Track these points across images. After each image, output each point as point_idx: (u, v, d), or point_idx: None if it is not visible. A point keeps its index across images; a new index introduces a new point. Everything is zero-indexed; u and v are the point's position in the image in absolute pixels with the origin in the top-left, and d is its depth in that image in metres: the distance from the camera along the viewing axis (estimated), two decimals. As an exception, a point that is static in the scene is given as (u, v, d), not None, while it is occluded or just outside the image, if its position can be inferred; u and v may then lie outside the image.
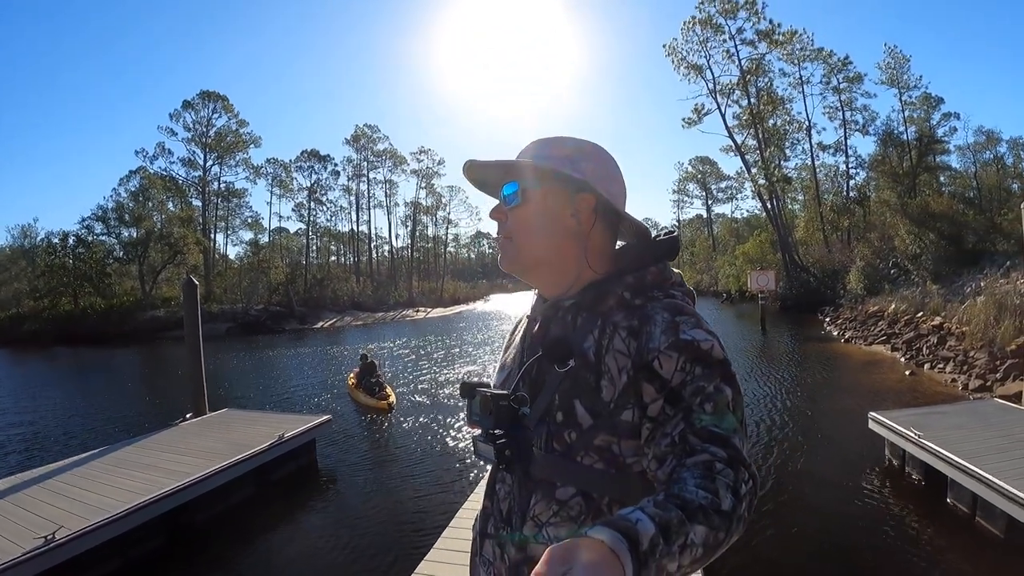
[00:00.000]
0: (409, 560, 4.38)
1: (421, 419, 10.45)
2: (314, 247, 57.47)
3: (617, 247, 1.15)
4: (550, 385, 1.03)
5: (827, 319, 21.64)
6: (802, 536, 5.20)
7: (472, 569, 1.17)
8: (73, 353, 25.73)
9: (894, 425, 6.33)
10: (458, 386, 1.10)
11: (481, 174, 1.13)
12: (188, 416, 8.82)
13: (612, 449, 0.97)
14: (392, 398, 11.37)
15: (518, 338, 1.21)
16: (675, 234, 1.11)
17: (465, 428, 8.89)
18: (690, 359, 0.91)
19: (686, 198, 69.33)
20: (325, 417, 8.41)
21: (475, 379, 1.08)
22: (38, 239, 42.43)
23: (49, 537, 4.69)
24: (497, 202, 1.14)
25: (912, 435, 5.95)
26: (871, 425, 6.77)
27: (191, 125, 45.26)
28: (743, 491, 0.80)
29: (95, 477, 6.31)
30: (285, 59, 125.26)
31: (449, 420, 10.21)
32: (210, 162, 46.28)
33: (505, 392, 1.00)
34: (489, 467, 1.15)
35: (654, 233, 1.13)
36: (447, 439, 9.08)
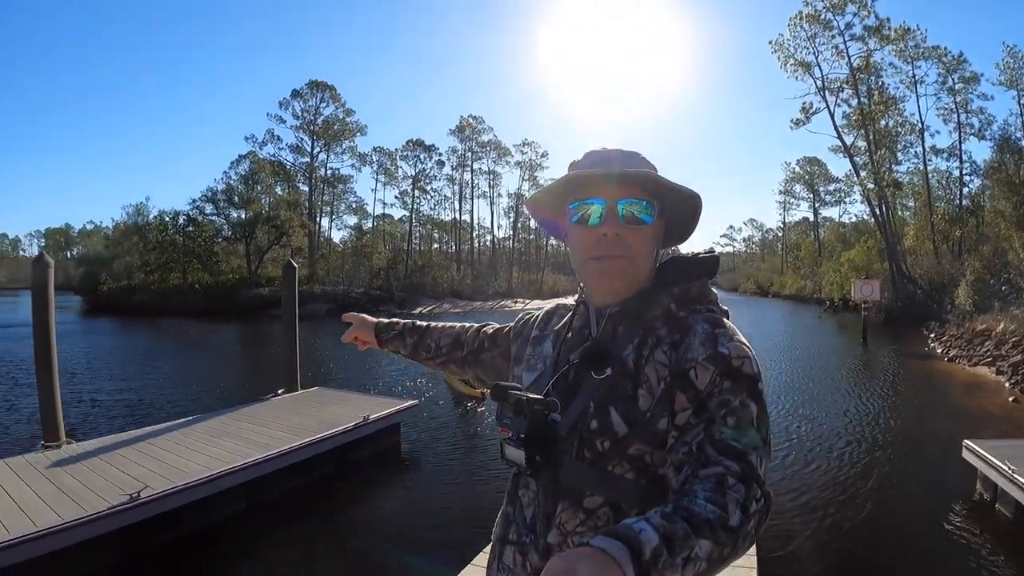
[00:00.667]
0: (476, 552, 4.50)
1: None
2: (417, 234, 63.05)
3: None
4: (585, 392, 1.09)
5: (931, 335, 21.97)
6: (874, 563, 5.25)
7: (489, 574, 1.23)
8: (179, 325, 28.93)
9: (988, 456, 6.28)
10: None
11: (597, 180, 1.12)
12: (280, 392, 9.73)
13: (645, 459, 1.04)
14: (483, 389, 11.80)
15: (549, 336, 1.29)
16: (715, 253, 1.20)
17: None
18: (722, 372, 0.99)
19: (792, 200, 72.16)
20: (412, 401, 9.01)
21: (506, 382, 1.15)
22: (150, 216, 48.90)
23: (134, 495, 5.36)
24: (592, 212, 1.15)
25: (1006, 468, 5.87)
26: (964, 454, 6.75)
27: (300, 113, 51.73)
28: (752, 508, 0.84)
29: (185, 443, 7.14)
30: (395, 50, 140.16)
31: None
32: (317, 149, 52.73)
33: (539, 396, 1.07)
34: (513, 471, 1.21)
35: (692, 252, 1.23)
36: None
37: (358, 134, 54.04)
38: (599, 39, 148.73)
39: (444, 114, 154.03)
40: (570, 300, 1.35)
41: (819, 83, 35.76)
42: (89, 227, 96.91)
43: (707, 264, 1.19)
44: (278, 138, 51.72)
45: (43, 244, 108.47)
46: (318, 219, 53.83)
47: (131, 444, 7.06)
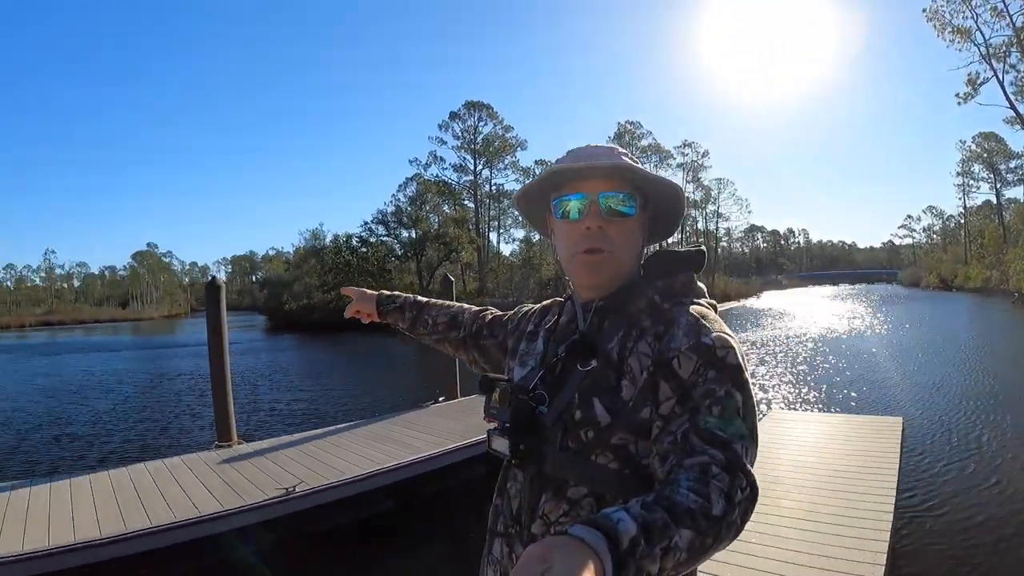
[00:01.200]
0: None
1: None
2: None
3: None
4: (571, 383, 1.17)
5: None
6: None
7: (481, 568, 1.31)
8: (354, 340, 31.90)
9: None
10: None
11: (574, 175, 1.23)
12: (440, 399, 10.56)
13: (629, 449, 1.10)
14: None
15: (541, 332, 1.37)
16: (702, 247, 1.29)
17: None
18: (706, 362, 1.04)
19: (972, 182, 68.73)
20: None
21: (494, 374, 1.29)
22: (326, 240, 55.38)
23: (290, 489, 6.15)
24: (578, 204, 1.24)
25: None
26: None
27: (460, 133, 58.61)
28: (737, 498, 0.89)
29: (343, 445, 8.03)
30: (548, 62, 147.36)
31: None
32: (480, 166, 59.54)
33: (524, 387, 1.21)
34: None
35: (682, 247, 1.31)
36: None
37: (519, 149, 59.36)
38: (747, 29, 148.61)
39: (601, 122, 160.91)
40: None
41: (982, 50, 34.18)
42: (271, 252, 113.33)
43: (692, 258, 1.28)
44: (441, 159, 58.37)
45: (229, 270, 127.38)
46: (486, 234, 59.89)
47: (295, 445, 8.09)
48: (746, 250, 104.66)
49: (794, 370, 16.71)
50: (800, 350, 20.96)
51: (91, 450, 10.87)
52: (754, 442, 0.99)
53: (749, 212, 78.03)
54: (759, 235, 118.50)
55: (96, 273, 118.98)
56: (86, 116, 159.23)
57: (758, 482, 0.94)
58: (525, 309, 1.55)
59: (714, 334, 1.08)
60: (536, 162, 62.30)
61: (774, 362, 18.40)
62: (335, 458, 7.33)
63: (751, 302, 58.50)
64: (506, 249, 67.79)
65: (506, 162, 60.01)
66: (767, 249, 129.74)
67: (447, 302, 1.79)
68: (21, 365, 28.60)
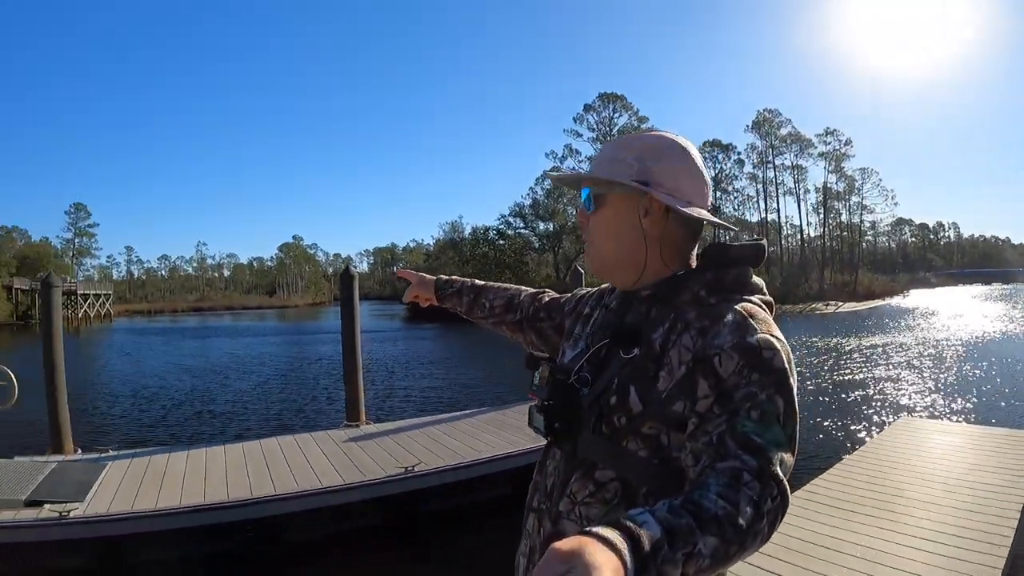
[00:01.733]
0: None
1: (819, 420, 11.22)
2: (728, 236, 66.44)
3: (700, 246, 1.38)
4: (612, 369, 1.25)
5: None
6: None
7: (520, 541, 1.43)
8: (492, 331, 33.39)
9: None
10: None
11: (566, 182, 1.44)
12: None
13: (660, 439, 1.16)
14: None
15: (595, 316, 1.47)
16: (761, 241, 1.33)
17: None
18: (749, 363, 1.08)
19: None
20: None
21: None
22: (465, 233, 59.64)
23: (408, 468, 6.66)
24: None
25: None
26: None
27: (594, 125, 61.37)
28: (766, 507, 0.92)
29: (466, 430, 8.49)
30: (682, 52, 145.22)
31: (854, 428, 10.66)
32: None
33: (565, 367, 1.33)
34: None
35: (743, 239, 1.34)
36: (838, 450, 9.11)
37: None
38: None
39: (737, 111, 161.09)
40: None
41: None
42: (412, 244, 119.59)
43: (748, 251, 1.31)
44: (577, 151, 61.39)
45: (371, 261, 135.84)
46: None
47: (419, 428, 8.69)
48: (892, 245, 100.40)
49: (938, 376, 15.94)
50: (948, 354, 20.03)
51: (230, 425, 12.20)
52: (791, 451, 1.02)
53: (895, 204, 74.08)
54: (906, 229, 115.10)
55: (244, 263, 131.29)
56: (237, 122, 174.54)
57: (788, 492, 0.97)
58: (583, 292, 1.63)
59: (760, 335, 1.11)
60: None
61: (918, 366, 17.69)
62: (456, 442, 7.78)
63: (897, 300, 57.84)
64: None
65: None
66: (915, 244, 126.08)
67: (505, 285, 1.91)
68: (172, 347, 32.30)
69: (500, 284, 1.92)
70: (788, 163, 65.95)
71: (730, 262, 1.28)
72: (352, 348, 9.50)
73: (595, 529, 0.74)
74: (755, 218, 67.70)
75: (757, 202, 67.11)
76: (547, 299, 1.75)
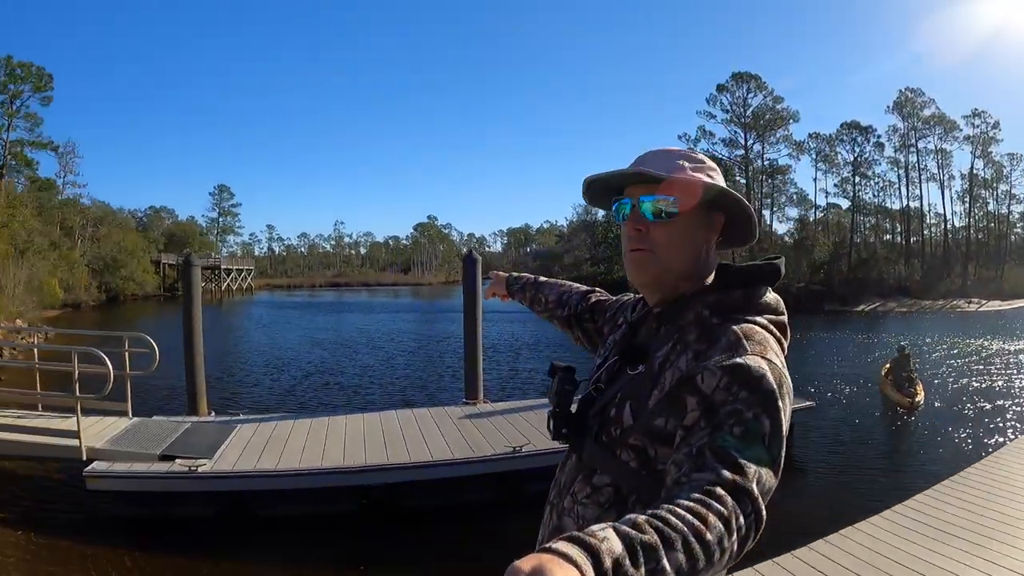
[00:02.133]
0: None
1: (947, 429, 10.75)
2: (867, 224, 65.27)
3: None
4: (618, 383, 1.39)
5: None
6: None
7: None
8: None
9: None
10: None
11: (618, 180, 1.42)
12: None
13: (647, 452, 1.26)
14: (920, 396, 12.57)
15: (620, 328, 1.59)
16: (778, 259, 1.40)
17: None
18: (737, 382, 1.13)
19: None
20: (808, 403, 9.63)
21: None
22: (598, 214, 57.70)
23: (516, 448, 7.06)
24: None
25: None
26: None
27: (728, 107, 60.74)
28: (735, 524, 0.93)
29: None
30: (816, 29, 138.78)
31: (971, 443, 10.03)
32: (751, 140, 61.08)
33: (572, 378, 1.50)
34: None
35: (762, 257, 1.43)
36: (969, 455, 8.68)
37: (791, 121, 61.02)
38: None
39: (879, 90, 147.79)
40: None
41: None
42: (545, 225, 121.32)
43: (764, 270, 1.38)
44: (710, 134, 61.15)
45: (505, 242, 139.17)
46: (759, 211, 59.95)
47: (534, 409, 9.02)
48: None
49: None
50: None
51: (355, 398, 13.10)
52: (774, 472, 1.05)
53: None
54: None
55: (381, 242, 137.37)
56: (373, 105, 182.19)
57: (763, 510, 0.99)
58: (626, 298, 1.73)
59: (749, 355, 1.17)
60: (810, 135, 63.28)
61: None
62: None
63: None
64: (780, 228, 67.34)
65: (778, 135, 61.49)
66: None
67: (561, 281, 2.07)
68: (307, 320, 34.59)
69: (559, 280, 2.08)
70: (931, 147, 62.53)
71: (738, 282, 1.36)
72: (473, 329, 10.02)
73: (555, 545, 0.76)
74: (896, 205, 64.64)
75: (898, 188, 63.81)
76: (594, 300, 1.88)
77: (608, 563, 0.76)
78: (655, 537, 0.83)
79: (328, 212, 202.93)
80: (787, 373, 1.20)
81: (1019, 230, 72.21)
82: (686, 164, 1.35)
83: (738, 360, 1.15)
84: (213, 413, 8.99)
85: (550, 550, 0.75)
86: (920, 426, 11.23)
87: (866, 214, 65.08)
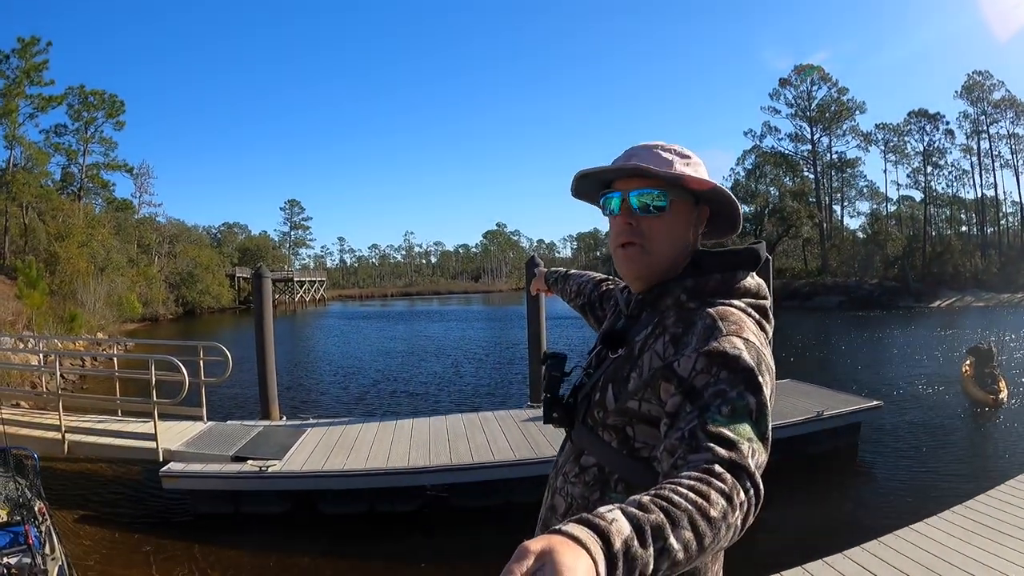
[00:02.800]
0: None
1: (999, 430, 10.68)
2: (943, 216, 64.07)
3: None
4: (603, 368, 1.48)
5: None
6: None
7: None
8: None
9: None
10: None
11: (611, 174, 1.49)
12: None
13: (626, 431, 1.35)
14: (1004, 393, 12.31)
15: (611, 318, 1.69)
16: (759, 244, 1.45)
17: None
18: (715, 363, 1.18)
19: None
20: (875, 402, 9.46)
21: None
22: None
23: None
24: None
25: None
26: None
27: (792, 101, 61.27)
28: (738, 499, 0.96)
29: None
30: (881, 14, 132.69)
31: None
32: (817, 134, 61.57)
33: (562, 365, 1.60)
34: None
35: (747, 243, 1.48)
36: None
37: (857, 112, 60.67)
38: None
39: (948, 75, 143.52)
40: None
41: None
42: None
43: (742, 256, 1.43)
44: (776, 129, 61.68)
45: (575, 246, 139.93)
46: (828, 207, 60.75)
47: None
48: None
49: None
50: None
51: (423, 404, 13.39)
52: (764, 446, 1.08)
53: None
54: None
55: (451, 250, 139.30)
56: (440, 115, 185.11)
57: (761, 485, 1.02)
58: (623, 285, 1.75)
59: (725, 336, 1.21)
60: (877, 126, 62.29)
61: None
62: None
63: None
64: (852, 223, 66.73)
65: (845, 127, 61.44)
66: None
67: (584, 272, 2.17)
68: (378, 329, 35.34)
69: (585, 272, 2.18)
70: (1004, 132, 60.04)
71: (715, 267, 1.41)
72: (537, 333, 10.19)
73: (564, 527, 0.78)
74: (971, 195, 62.54)
75: (972, 177, 61.71)
76: (604, 288, 1.97)
77: (618, 544, 0.79)
78: (661, 516, 0.85)
79: (398, 222, 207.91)
80: (767, 352, 1.24)
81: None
82: (675, 159, 1.41)
83: (714, 343, 1.20)
84: (284, 418, 9.35)
85: (560, 531, 0.77)
86: (999, 427, 11.00)
87: (940, 205, 63.72)
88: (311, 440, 7.77)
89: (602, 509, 0.84)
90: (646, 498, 0.89)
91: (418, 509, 6.95)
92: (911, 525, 4.95)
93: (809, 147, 60.13)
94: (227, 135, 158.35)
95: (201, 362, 8.79)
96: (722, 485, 0.94)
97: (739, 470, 0.99)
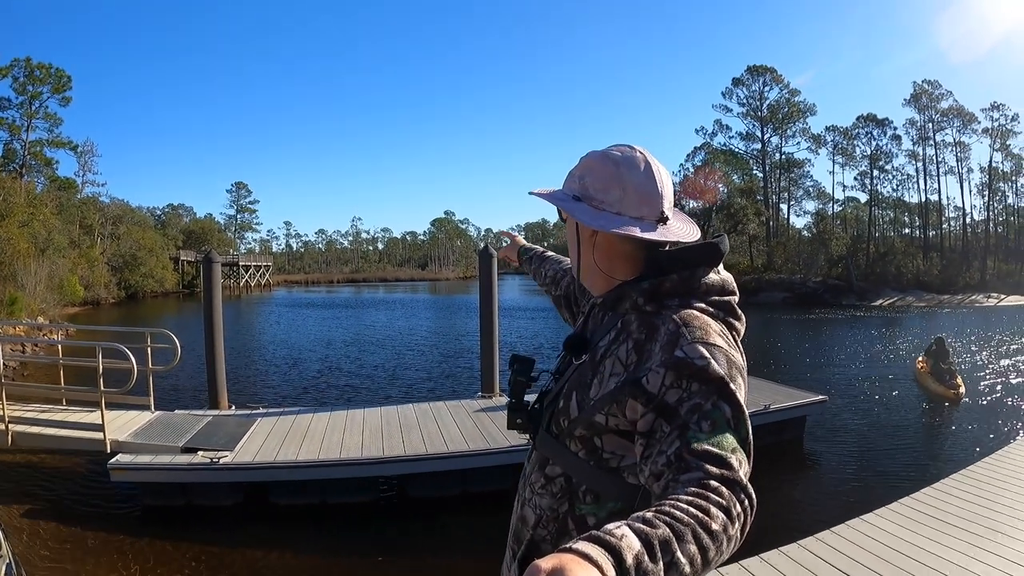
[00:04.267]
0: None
1: (971, 425, 10.92)
2: (885, 218, 66.73)
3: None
4: (567, 374, 1.46)
5: None
6: None
7: None
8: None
9: None
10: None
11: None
12: None
13: (594, 442, 1.32)
14: (962, 388, 12.79)
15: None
16: (714, 241, 1.39)
17: None
18: (684, 376, 1.16)
19: None
20: (819, 397, 9.75)
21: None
22: None
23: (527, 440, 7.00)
24: None
25: None
26: None
27: (744, 100, 62.46)
28: (735, 511, 0.98)
29: None
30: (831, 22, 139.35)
31: (980, 437, 10.18)
32: (768, 134, 62.76)
33: (528, 370, 1.57)
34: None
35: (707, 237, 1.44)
36: (957, 460, 8.50)
37: (807, 114, 62.49)
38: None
39: (897, 83, 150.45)
40: None
41: None
42: (562, 221, 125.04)
43: (698, 253, 1.37)
44: (727, 127, 62.80)
45: (524, 237, 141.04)
46: (775, 206, 62.45)
47: None
48: None
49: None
50: None
51: (376, 393, 13.33)
52: (747, 452, 1.10)
53: None
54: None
55: (398, 237, 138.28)
56: (389, 100, 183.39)
57: (753, 494, 1.04)
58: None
59: (689, 345, 1.19)
60: (826, 128, 64.07)
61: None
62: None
63: None
64: (797, 222, 69.20)
65: (795, 129, 63.11)
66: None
67: (564, 258, 2.06)
68: (326, 316, 34.92)
69: (564, 257, 2.04)
70: (949, 139, 62.91)
71: (674, 266, 1.35)
72: (489, 323, 10.17)
73: (575, 545, 0.79)
74: (915, 199, 65.14)
75: (916, 182, 64.41)
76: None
77: (630, 560, 0.79)
78: (667, 531, 0.86)
79: (346, 208, 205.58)
80: (736, 353, 1.25)
81: (1042, 223, 72.18)
82: (573, 169, 1.47)
83: (678, 355, 1.18)
84: (233, 407, 9.18)
85: (570, 550, 0.78)
86: (946, 421, 11.31)
87: (884, 208, 65.78)
88: (262, 430, 7.65)
89: (610, 526, 0.85)
90: (649, 514, 0.90)
91: (373, 500, 6.89)
92: (863, 516, 5.04)
93: (759, 146, 61.42)
94: (172, 114, 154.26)
95: (148, 349, 8.55)
96: (719, 499, 0.96)
97: (732, 483, 1.00)
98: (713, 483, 0.99)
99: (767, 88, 61.01)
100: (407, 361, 18.04)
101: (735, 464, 1.04)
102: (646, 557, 0.81)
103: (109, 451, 6.78)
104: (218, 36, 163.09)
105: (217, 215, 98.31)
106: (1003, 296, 50.35)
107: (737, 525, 0.96)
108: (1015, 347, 20.59)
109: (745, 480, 1.03)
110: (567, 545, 0.79)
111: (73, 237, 45.63)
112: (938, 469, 7.94)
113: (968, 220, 67.14)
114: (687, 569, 0.85)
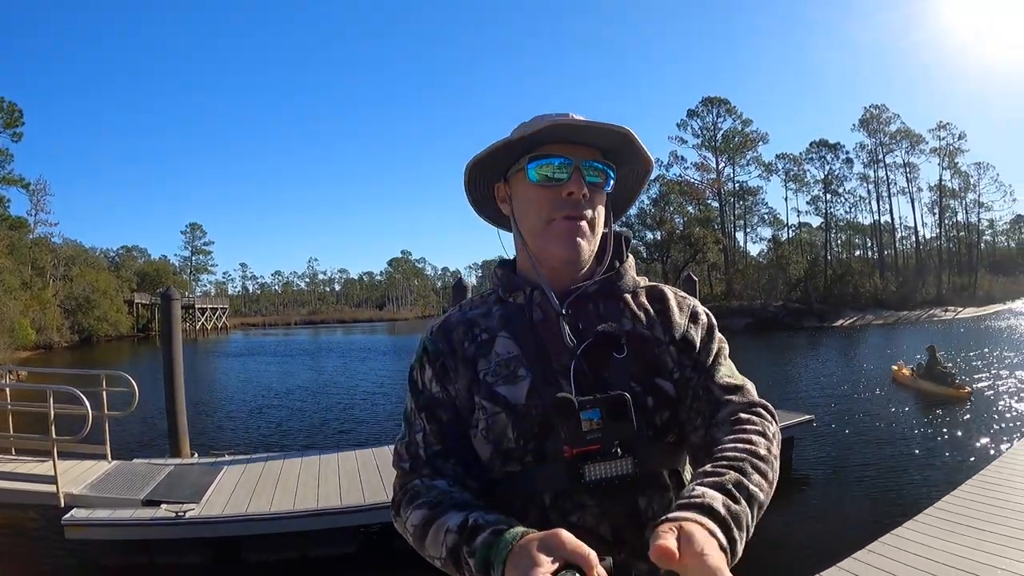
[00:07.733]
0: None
1: (958, 434, 11.09)
2: (839, 241, 68.62)
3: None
4: (618, 374, 1.14)
5: None
6: None
7: None
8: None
9: None
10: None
11: (570, 132, 1.21)
12: None
13: (679, 415, 1.19)
14: (967, 388, 13.33)
15: (501, 338, 1.23)
16: (624, 230, 1.38)
17: None
18: (702, 326, 1.26)
19: None
20: (806, 416, 9.73)
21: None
22: None
23: None
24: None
25: None
26: None
27: (699, 131, 63.58)
28: (771, 431, 1.09)
29: None
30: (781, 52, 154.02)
31: (980, 444, 10.32)
32: (722, 164, 63.84)
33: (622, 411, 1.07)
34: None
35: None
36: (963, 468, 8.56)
37: (760, 143, 63.95)
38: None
39: (846, 108, 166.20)
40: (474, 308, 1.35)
41: None
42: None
43: (628, 242, 1.39)
44: (682, 158, 63.42)
45: (480, 274, 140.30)
46: (732, 233, 63.99)
47: None
48: (1012, 244, 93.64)
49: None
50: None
51: (346, 436, 12.82)
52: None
53: (1014, 200, 73.80)
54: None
55: (355, 278, 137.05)
56: (346, 142, 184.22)
57: (772, 408, 1.19)
58: (436, 347, 1.28)
59: (694, 301, 1.32)
60: (778, 156, 66.13)
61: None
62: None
63: (1019, 305, 57.00)
64: (753, 249, 71.00)
65: (748, 157, 64.30)
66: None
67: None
68: (285, 359, 34.31)
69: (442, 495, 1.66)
70: (899, 161, 65.86)
71: (624, 249, 1.35)
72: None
73: (678, 514, 0.84)
74: (868, 220, 67.86)
75: (869, 203, 67.09)
76: (434, 451, 1.28)
77: (722, 510, 0.87)
78: (734, 473, 0.95)
79: (302, 249, 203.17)
80: None
81: (988, 237, 76.19)
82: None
83: (696, 309, 1.29)
84: (196, 455, 8.50)
85: (679, 519, 0.83)
86: (930, 433, 11.35)
87: (838, 231, 67.56)
88: (229, 479, 6.99)
89: (686, 490, 0.93)
90: (709, 467, 0.98)
91: (356, 552, 6.27)
92: (893, 531, 4.92)
93: (714, 176, 62.47)
94: (125, 153, 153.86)
95: (104, 393, 7.83)
96: (755, 427, 1.08)
97: (756, 406, 1.14)
98: (743, 415, 1.11)
99: (720, 119, 62.38)
100: (374, 404, 17.45)
101: (750, 387, 1.20)
102: (731, 502, 0.89)
103: (63, 505, 6.09)
104: (167, 70, 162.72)
105: (172, 257, 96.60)
106: (959, 309, 52.94)
107: (775, 441, 1.08)
108: (979, 358, 21.25)
109: (759, 398, 1.18)
110: (665, 516, 0.85)
111: (24, 278, 44.00)
112: (944, 474, 8.08)
113: (920, 238, 69.79)
114: (762, 497, 0.95)
